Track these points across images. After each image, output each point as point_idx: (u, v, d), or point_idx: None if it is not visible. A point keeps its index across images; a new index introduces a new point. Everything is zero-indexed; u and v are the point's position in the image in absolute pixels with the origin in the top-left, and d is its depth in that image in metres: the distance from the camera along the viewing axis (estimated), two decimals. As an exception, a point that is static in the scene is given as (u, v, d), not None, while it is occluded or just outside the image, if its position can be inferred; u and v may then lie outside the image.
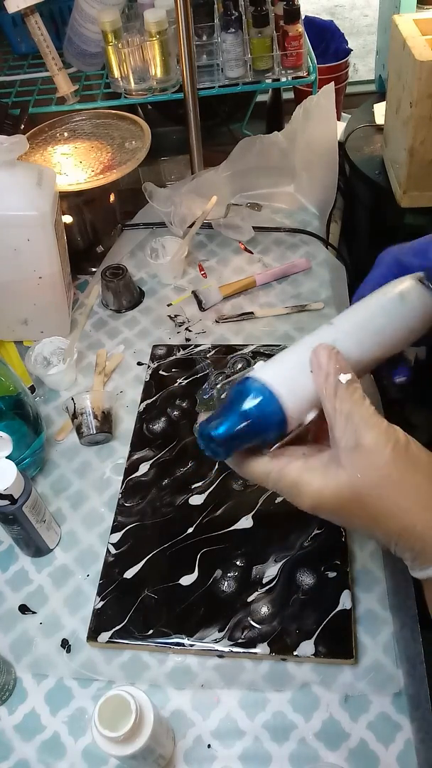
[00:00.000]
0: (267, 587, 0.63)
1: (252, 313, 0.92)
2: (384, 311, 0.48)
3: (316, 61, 1.19)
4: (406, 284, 0.49)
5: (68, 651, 0.63)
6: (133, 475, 0.74)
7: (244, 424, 0.44)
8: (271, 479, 0.45)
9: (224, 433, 0.44)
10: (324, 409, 0.43)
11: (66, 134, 1.05)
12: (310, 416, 0.45)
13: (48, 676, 0.62)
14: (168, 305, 0.96)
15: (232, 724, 0.57)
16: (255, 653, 0.59)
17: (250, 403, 0.44)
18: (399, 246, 0.52)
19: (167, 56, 1.12)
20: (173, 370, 0.85)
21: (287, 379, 0.46)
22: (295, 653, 0.59)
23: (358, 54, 2.03)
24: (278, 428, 0.44)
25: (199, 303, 0.95)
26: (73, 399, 0.79)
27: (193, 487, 0.72)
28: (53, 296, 0.88)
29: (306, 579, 0.63)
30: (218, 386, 0.67)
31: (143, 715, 0.48)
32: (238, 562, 0.65)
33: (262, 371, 0.46)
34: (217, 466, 0.73)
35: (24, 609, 0.66)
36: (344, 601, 0.61)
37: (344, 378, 0.42)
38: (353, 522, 0.43)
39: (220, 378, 0.73)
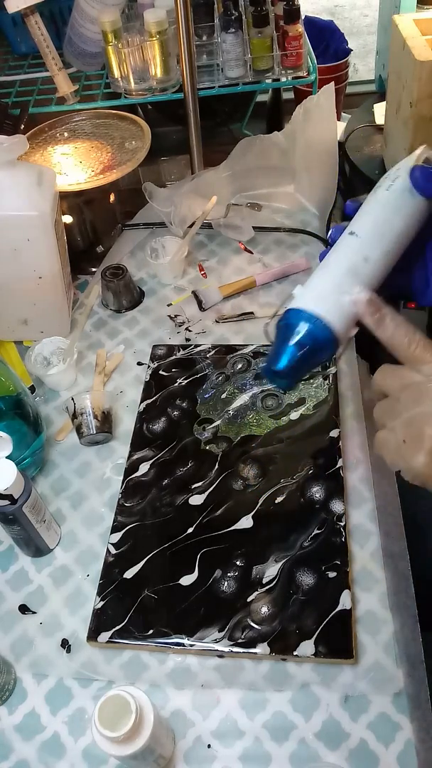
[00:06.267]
0: (267, 587, 0.63)
1: (252, 313, 0.92)
2: (398, 209, 0.50)
3: (316, 61, 1.19)
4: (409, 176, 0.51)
5: (68, 651, 0.63)
6: (133, 475, 0.74)
7: (300, 353, 0.48)
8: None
9: (286, 365, 0.48)
10: (387, 344, 0.48)
11: (66, 134, 1.05)
12: (354, 331, 0.50)
13: (48, 676, 0.62)
14: (168, 305, 0.96)
15: (232, 724, 0.57)
16: (255, 653, 0.59)
17: (302, 333, 0.48)
18: None
19: (167, 56, 1.12)
20: (173, 370, 0.85)
21: (329, 302, 0.50)
22: (295, 653, 0.59)
23: (358, 54, 2.03)
24: (332, 349, 0.49)
25: (199, 303, 0.95)
26: (73, 399, 0.79)
27: (193, 487, 0.72)
28: (53, 296, 0.88)
29: (306, 579, 0.63)
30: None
31: (143, 715, 0.48)
32: (238, 562, 0.65)
33: (303, 300, 0.50)
34: (217, 466, 0.73)
35: (24, 609, 0.66)
36: (344, 601, 0.61)
37: (389, 316, 0.48)
38: None
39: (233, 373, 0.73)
